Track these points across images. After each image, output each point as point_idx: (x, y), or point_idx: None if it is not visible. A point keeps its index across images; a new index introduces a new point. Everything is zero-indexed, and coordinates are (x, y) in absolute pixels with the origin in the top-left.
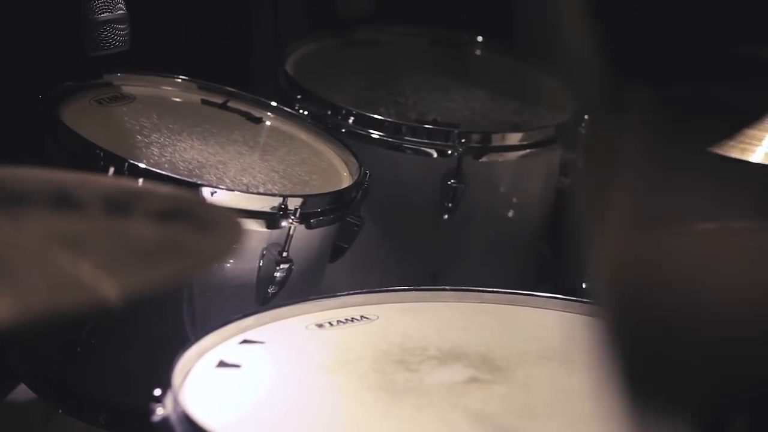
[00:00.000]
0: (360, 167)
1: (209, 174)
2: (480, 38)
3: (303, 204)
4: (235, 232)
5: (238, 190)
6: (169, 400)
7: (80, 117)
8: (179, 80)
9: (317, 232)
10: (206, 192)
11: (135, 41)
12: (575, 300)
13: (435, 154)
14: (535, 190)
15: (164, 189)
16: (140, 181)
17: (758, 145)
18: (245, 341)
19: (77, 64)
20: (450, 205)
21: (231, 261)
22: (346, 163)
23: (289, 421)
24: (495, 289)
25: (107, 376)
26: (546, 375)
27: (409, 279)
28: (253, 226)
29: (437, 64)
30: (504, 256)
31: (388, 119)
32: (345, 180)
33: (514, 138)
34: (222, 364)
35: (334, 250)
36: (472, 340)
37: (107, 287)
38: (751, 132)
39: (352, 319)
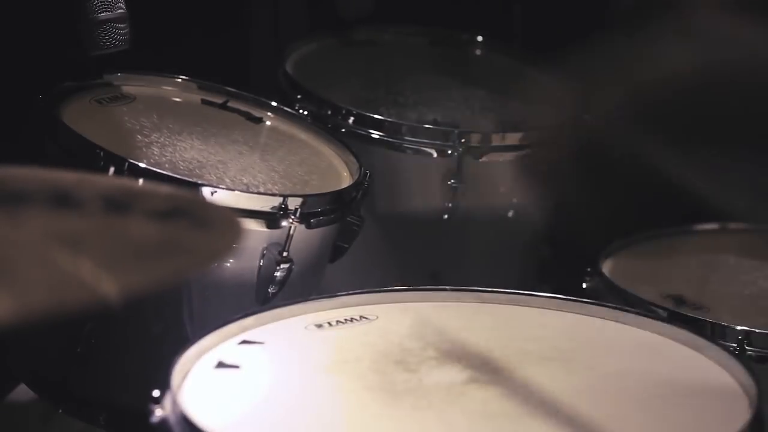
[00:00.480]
0: (360, 167)
1: (209, 174)
2: (480, 38)
3: (303, 204)
4: (235, 232)
5: (238, 190)
6: (167, 401)
7: (80, 117)
8: (179, 80)
9: (317, 232)
10: (206, 192)
11: (135, 41)
12: (575, 300)
13: (435, 154)
14: (535, 190)
15: (164, 188)
16: (140, 180)
17: None
18: (244, 341)
19: (77, 64)
20: (450, 205)
21: (231, 260)
22: (346, 163)
23: (288, 421)
24: (495, 289)
25: (107, 376)
26: (546, 375)
27: (409, 279)
28: (253, 225)
29: (437, 64)
30: (504, 256)
31: (388, 119)
32: (345, 180)
33: (514, 138)
34: (221, 364)
35: (334, 250)
36: (471, 341)
37: (107, 286)
38: None
39: (352, 320)
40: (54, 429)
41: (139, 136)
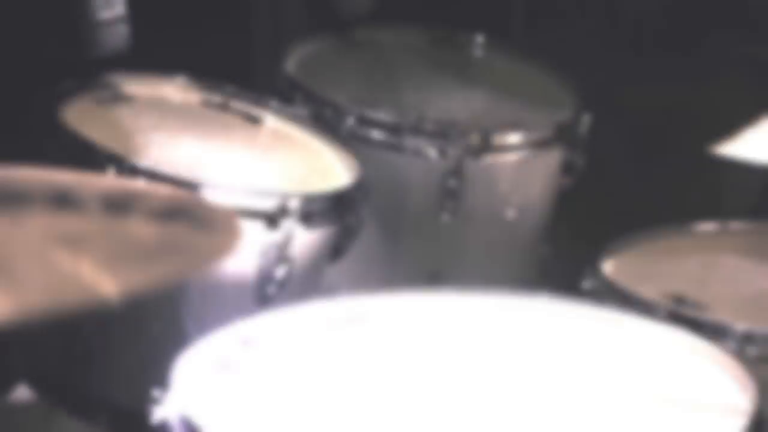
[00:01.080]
0: (360, 167)
1: (209, 174)
2: (480, 38)
3: (303, 204)
4: (234, 232)
5: (238, 190)
6: (168, 401)
7: (80, 117)
8: (179, 80)
9: (317, 232)
10: (206, 192)
11: (135, 41)
12: (575, 300)
13: (435, 155)
14: (535, 190)
15: (164, 188)
16: (140, 181)
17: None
18: (245, 342)
19: (77, 64)
20: (450, 205)
21: (230, 261)
22: (346, 163)
23: (289, 422)
24: (496, 289)
25: (107, 376)
26: (546, 376)
27: (409, 279)
28: (253, 225)
29: (437, 64)
30: (504, 256)
31: (388, 119)
32: (345, 180)
33: (514, 138)
34: (222, 364)
35: (334, 250)
36: (472, 341)
37: (107, 287)
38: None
39: (353, 319)
40: (54, 429)
41: (139, 136)
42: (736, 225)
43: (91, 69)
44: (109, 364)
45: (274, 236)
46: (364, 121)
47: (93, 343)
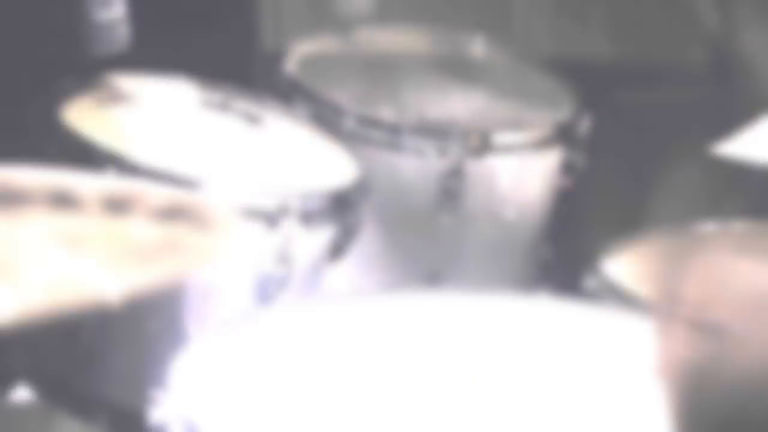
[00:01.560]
0: (360, 167)
1: (209, 173)
2: (480, 38)
3: (303, 203)
4: (234, 232)
5: (238, 190)
6: (168, 401)
7: (80, 117)
8: (179, 80)
9: (317, 232)
10: (206, 191)
11: (135, 41)
12: (575, 300)
13: (435, 155)
14: (535, 190)
15: (164, 189)
16: (140, 180)
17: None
18: (247, 341)
19: (77, 64)
20: (450, 205)
21: (230, 261)
22: (346, 163)
23: (292, 420)
24: (496, 289)
25: (107, 376)
26: (547, 375)
27: (409, 279)
28: (253, 225)
29: (437, 64)
30: (504, 256)
31: (388, 119)
32: (345, 180)
33: (514, 138)
34: (223, 364)
35: (334, 250)
36: (472, 340)
37: (107, 287)
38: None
39: (353, 318)
40: (54, 429)
41: (138, 136)
42: (736, 225)
43: (91, 69)
44: (109, 364)
45: (274, 236)
46: (364, 121)
47: (93, 343)
